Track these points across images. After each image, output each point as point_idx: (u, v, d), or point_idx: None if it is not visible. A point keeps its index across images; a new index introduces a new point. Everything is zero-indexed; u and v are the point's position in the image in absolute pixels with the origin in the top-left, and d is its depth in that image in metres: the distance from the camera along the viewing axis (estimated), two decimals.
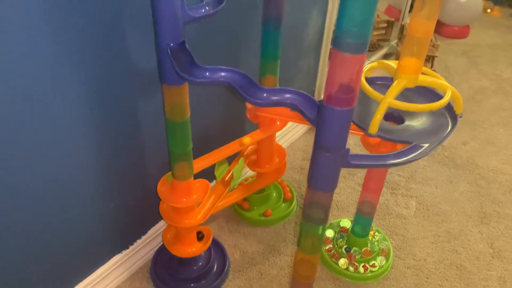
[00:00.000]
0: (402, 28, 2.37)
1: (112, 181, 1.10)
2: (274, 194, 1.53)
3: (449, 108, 1.08)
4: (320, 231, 0.90)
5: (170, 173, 1.10)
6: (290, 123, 1.74)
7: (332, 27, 1.69)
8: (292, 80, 1.61)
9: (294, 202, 1.52)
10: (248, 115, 1.33)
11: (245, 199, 1.50)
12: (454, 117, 1.05)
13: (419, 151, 0.94)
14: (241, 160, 1.30)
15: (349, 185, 1.62)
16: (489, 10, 3.09)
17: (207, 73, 0.83)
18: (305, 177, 1.64)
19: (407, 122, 1.06)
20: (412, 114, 1.08)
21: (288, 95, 0.80)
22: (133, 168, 1.14)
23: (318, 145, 0.76)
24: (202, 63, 0.83)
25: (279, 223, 1.47)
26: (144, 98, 1.07)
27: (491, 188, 1.64)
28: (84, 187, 1.05)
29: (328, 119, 0.71)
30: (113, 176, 1.10)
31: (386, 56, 2.44)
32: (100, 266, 1.21)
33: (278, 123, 1.33)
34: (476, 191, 1.63)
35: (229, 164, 1.31)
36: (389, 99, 0.96)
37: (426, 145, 0.97)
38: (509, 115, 2.04)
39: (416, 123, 1.06)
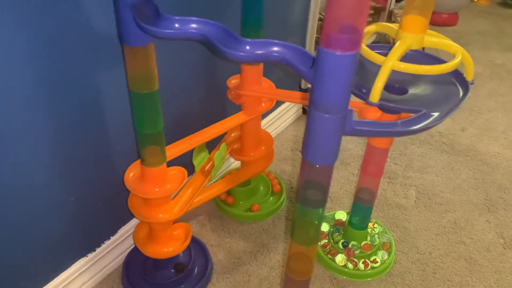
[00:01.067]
0: (390, 14, 2.26)
1: (69, 171, 0.94)
2: (261, 187, 1.38)
3: (457, 75, 0.95)
4: (318, 216, 0.75)
5: (139, 160, 0.94)
6: (277, 111, 1.60)
7: (319, 5, 1.55)
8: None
9: (284, 195, 1.37)
10: (229, 96, 1.19)
11: (229, 194, 1.34)
12: (465, 84, 0.92)
13: (431, 119, 0.80)
14: (223, 145, 1.14)
15: (342, 175, 1.48)
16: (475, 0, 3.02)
17: (176, 25, 0.68)
18: (295, 169, 1.49)
19: (411, 92, 0.92)
20: (416, 84, 0.95)
21: (276, 48, 0.65)
22: (95, 155, 0.98)
23: (315, 105, 0.61)
24: None
25: (268, 218, 1.32)
26: (106, 68, 0.91)
27: (495, 174, 1.52)
28: (36, 178, 0.88)
29: (328, 68, 0.57)
30: (70, 164, 0.93)
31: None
32: (62, 271, 1.04)
33: (263, 104, 1.19)
34: (479, 177, 1.50)
35: (210, 153, 1.16)
36: (392, 61, 0.83)
37: (436, 114, 0.83)
38: (507, 100, 1.93)
39: (422, 93, 0.92)
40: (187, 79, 1.14)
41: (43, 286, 1.00)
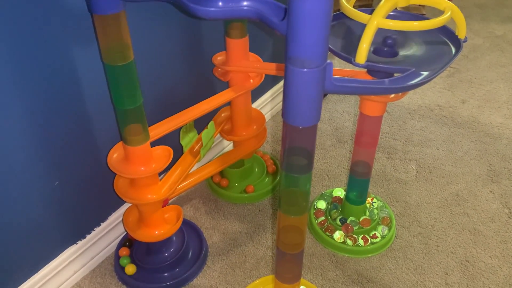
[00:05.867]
0: None
1: (50, 154, 0.91)
2: (256, 169, 1.35)
3: (448, 34, 0.90)
4: (305, 183, 0.71)
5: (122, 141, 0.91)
6: (272, 91, 1.56)
7: None
8: (265, 46, 1.42)
9: (279, 177, 1.33)
10: (216, 74, 1.15)
11: (223, 176, 1.31)
12: (457, 42, 0.87)
13: (421, 77, 0.76)
14: (211, 123, 1.11)
15: (339, 153, 1.44)
16: None
17: None
18: None
19: (402, 54, 0.88)
20: (406, 46, 0.90)
21: (246, 2, 0.61)
22: (76, 136, 0.95)
23: (290, 60, 0.57)
24: None
25: (264, 199, 1.28)
26: (82, 42, 0.87)
27: (498, 144, 1.47)
28: (14, 162, 0.85)
29: (302, 15, 0.53)
30: (50, 146, 0.90)
31: None
32: (51, 260, 1.01)
33: (252, 81, 1.15)
34: (482, 148, 1.45)
35: (199, 133, 1.12)
36: (377, 19, 0.78)
37: (426, 72, 0.79)
38: (509, 70, 1.87)
39: (413, 54, 0.88)
40: (169, 56, 1.10)
41: (33, 275, 0.98)
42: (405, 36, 0.93)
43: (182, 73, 1.15)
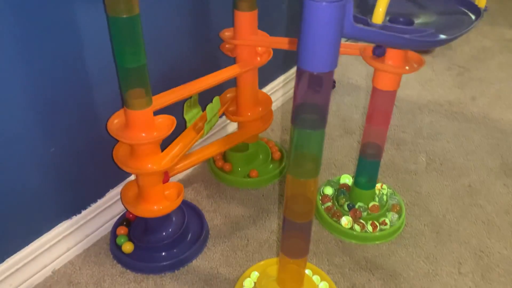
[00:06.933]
0: None
1: (47, 117, 0.86)
2: (261, 155, 1.30)
3: (467, 4, 0.87)
4: (316, 141, 0.66)
5: (124, 108, 0.86)
6: (278, 80, 1.52)
7: None
8: (273, 25, 1.39)
9: (284, 163, 1.28)
10: (223, 49, 1.12)
11: (226, 161, 1.26)
12: (477, 10, 0.84)
13: (442, 36, 0.72)
14: (216, 98, 1.06)
15: (347, 143, 1.40)
16: None
17: None
18: None
19: (418, 22, 0.84)
20: (422, 15, 0.87)
21: None
22: (75, 101, 0.90)
23: None
24: None
25: (268, 184, 1.23)
26: (84, 2, 0.84)
27: (511, 140, 1.42)
28: (10, 123, 0.80)
29: None
30: (47, 108, 0.86)
31: None
32: (44, 233, 0.96)
33: (259, 58, 1.11)
34: (494, 143, 1.41)
35: (203, 110, 1.08)
36: None
37: (444, 36, 0.75)
38: None
39: (429, 22, 0.84)
40: (176, 31, 1.06)
41: (23, 247, 0.92)
42: (421, 7, 0.89)
43: (188, 48, 1.11)
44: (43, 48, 0.80)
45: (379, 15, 0.74)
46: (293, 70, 1.57)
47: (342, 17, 0.55)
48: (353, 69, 1.79)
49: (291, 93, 1.59)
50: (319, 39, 0.56)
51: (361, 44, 0.97)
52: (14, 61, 0.77)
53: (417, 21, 0.85)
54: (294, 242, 0.79)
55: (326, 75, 0.60)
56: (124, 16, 0.74)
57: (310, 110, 0.64)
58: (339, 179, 1.21)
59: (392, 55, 0.89)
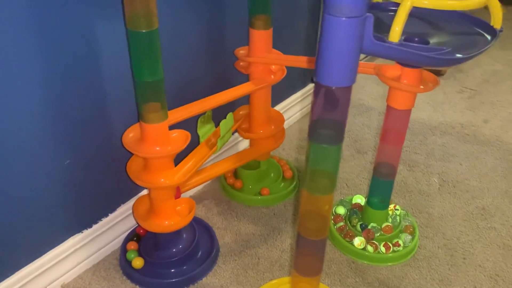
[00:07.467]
0: None
1: (65, 127, 0.87)
2: (272, 173, 1.29)
3: (482, 25, 0.87)
4: (332, 157, 0.66)
5: (139, 122, 0.87)
6: (293, 97, 1.52)
7: None
8: (288, 44, 1.40)
9: (296, 181, 1.28)
10: (237, 67, 1.13)
11: (237, 178, 1.26)
12: (492, 31, 0.84)
13: (459, 55, 0.72)
14: (230, 115, 1.07)
15: (359, 164, 1.39)
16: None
17: None
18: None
19: (433, 42, 0.85)
20: (437, 36, 0.87)
21: None
22: (94, 112, 0.91)
23: (328, 7, 0.54)
24: None
25: (279, 203, 1.22)
26: (103, 14, 0.85)
27: None
28: (26, 134, 0.81)
29: None
30: (67, 119, 0.86)
31: None
32: (54, 247, 0.95)
33: (273, 76, 1.12)
34: (507, 166, 1.39)
35: (216, 127, 1.08)
36: None
37: (461, 55, 0.75)
38: None
39: (445, 41, 0.84)
40: (191, 47, 1.08)
41: (34, 260, 0.92)
42: (436, 27, 0.90)
43: (203, 65, 1.13)
44: (61, 59, 0.81)
45: (396, 34, 0.75)
46: (298, 95, 1.57)
47: (362, 32, 0.56)
48: (364, 90, 1.80)
49: (298, 115, 1.60)
50: (338, 54, 0.56)
51: (376, 64, 0.97)
52: (32, 72, 0.78)
53: (432, 41, 0.86)
54: (307, 260, 0.78)
55: (344, 90, 0.60)
56: (144, 30, 0.75)
57: (327, 125, 0.64)
58: (351, 199, 1.20)
59: (408, 74, 0.89)
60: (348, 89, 0.60)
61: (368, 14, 0.55)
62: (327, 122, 0.63)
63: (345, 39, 0.55)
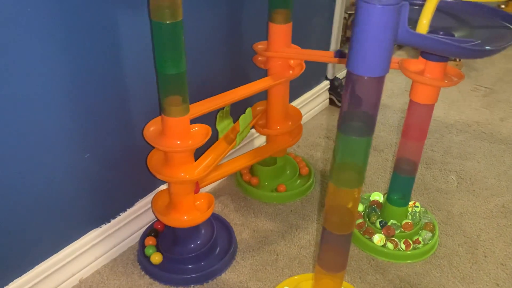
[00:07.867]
0: None
1: (87, 121, 0.86)
2: (288, 170, 1.28)
3: (509, 19, 0.86)
4: (362, 149, 0.65)
5: (160, 116, 0.86)
6: (307, 95, 1.51)
7: None
8: (304, 39, 1.39)
9: (312, 178, 1.26)
10: (256, 62, 1.12)
11: (253, 174, 1.25)
12: None
13: (489, 47, 0.71)
14: (249, 110, 1.06)
15: (376, 161, 1.38)
16: (503, 6, 2.94)
17: None
18: (325, 154, 1.40)
19: (459, 35, 0.83)
20: (462, 29, 0.86)
21: None
22: (116, 106, 0.90)
23: None
24: None
25: (295, 200, 1.21)
26: (126, 9, 0.84)
27: None
28: (49, 128, 0.81)
29: None
30: (89, 112, 0.86)
31: None
32: (72, 241, 0.94)
33: (291, 71, 1.11)
34: None
35: (235, 122, 1.08)
36: None
37: (490, 47, 0.74)
38: None
39: (471, 34, 0.83)
40: (211, 41, 1.07)
41: (52, 255, 0.91)
42: (460, 21, 0.88)
43: (222, 59, 1.12)
44: (84, 53, 0.81)
45: (423, 26, 0.74)
46: (313, 91, 1.56)
47: (397, 21, 0.55)
48: None
49: (313, 112, 1.59)
50: (371, 43, 0.55)
51: (399, 58, 0.96)
52: (55, 66, 0.77)
53: (457, 34, 0.85)
54: (332, 255, 0.77)
55: (377, 80, 0.59)
56: (168, 22, 0.74)
57: (357, 117, 0.63)
58: (369, 196, 1.18)
59: (432, 68, 0.87)
60: (380, 79, 0.59)
61: (403, 2, 0.54)
62: (358, 114, 0.62)
63: (380, 27, 0.54)
